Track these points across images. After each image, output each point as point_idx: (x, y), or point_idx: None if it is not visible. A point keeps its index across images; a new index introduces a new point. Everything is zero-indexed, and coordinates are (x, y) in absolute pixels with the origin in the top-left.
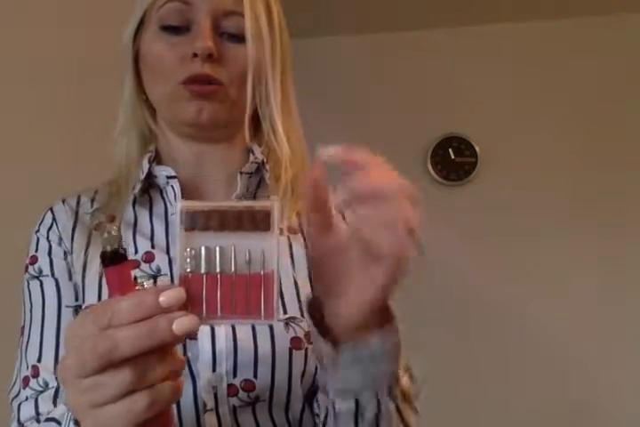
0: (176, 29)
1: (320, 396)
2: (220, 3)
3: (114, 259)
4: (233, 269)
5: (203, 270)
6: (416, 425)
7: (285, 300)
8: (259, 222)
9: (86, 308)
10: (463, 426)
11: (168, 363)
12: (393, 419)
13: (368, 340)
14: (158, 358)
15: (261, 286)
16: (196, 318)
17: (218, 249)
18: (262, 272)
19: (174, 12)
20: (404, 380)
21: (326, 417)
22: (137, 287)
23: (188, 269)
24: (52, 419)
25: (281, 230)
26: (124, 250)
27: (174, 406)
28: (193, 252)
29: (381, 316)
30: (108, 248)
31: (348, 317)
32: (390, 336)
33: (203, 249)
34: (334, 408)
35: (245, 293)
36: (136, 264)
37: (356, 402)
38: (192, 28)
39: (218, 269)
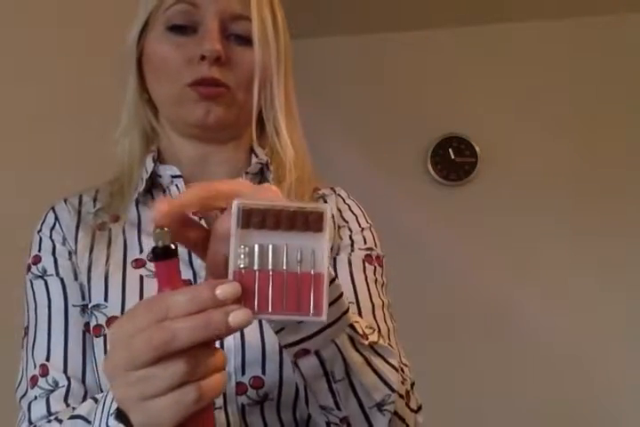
0: (183, 30)
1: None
2: (228, 6)
3: (165, 254)
4: (284, 267)
5: (256, 267)
6: (398, 383)
7: None
8: (311, 223)
9: (95, 306)
10: (462, 425)
11: (214, 357)
12: (366, 374)
13: None
14: (206, 352)
15: (311, 285)
16: (249, 312)
17: (271, 247)
18: (312, 271)
19: (181, 14)
20: (373, 336)
21: (306, 397)
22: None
23: (242, 266)
24: (79, 416)
25: None
26: (175, 246)
27: None
28: (247, 249)
29: None
30: (160, 243)
31: None
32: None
33: (256, 247)
34: (301, 374)
35: (296, 290)
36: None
37: (319, 357)
38: (199, 29)
39: (270, 267)
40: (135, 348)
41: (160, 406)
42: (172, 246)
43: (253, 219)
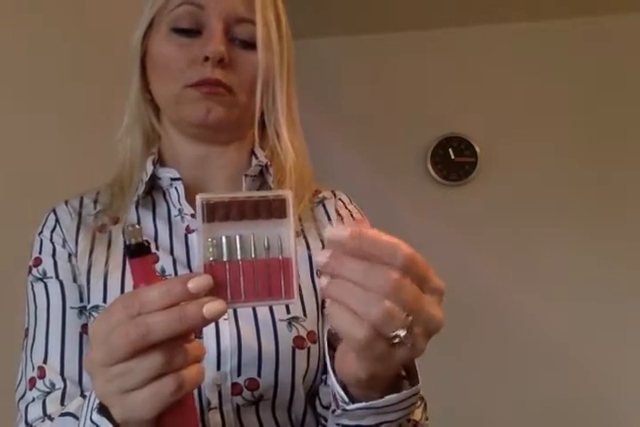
0: (187, 32)
1: (330, 416)
2: (233, 9)
3: (138, 251)
4: (253, 255)
5: (225, 258)
6: None
7: None
8: (274, 210)
9: (94, 307)
10: (464, 425)
11: (192, 348)
12: None
13: (381, 395)
14: (183, 344)
15: (280, 270)
16: (223, 302)
17: (238, 237)
18: (280, 257)
19: (187, 15)
20: (418, 411)
21: None
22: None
23: (211, 258)
24: (68, 413)
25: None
26: (148, 242)
27: None
28: (214, 241)
29: (395, 376)
30: (133, 241)
31: (349, 376)
32: (407, 393)
33: (224, 238)
34: None
35: (266, 277)
36: (156, 258)
37: None
38: (203, 31)
39: (239, 257)
40: (112, 343)
41: (139, 399)
42: (145, 243)
43: (218, 212)
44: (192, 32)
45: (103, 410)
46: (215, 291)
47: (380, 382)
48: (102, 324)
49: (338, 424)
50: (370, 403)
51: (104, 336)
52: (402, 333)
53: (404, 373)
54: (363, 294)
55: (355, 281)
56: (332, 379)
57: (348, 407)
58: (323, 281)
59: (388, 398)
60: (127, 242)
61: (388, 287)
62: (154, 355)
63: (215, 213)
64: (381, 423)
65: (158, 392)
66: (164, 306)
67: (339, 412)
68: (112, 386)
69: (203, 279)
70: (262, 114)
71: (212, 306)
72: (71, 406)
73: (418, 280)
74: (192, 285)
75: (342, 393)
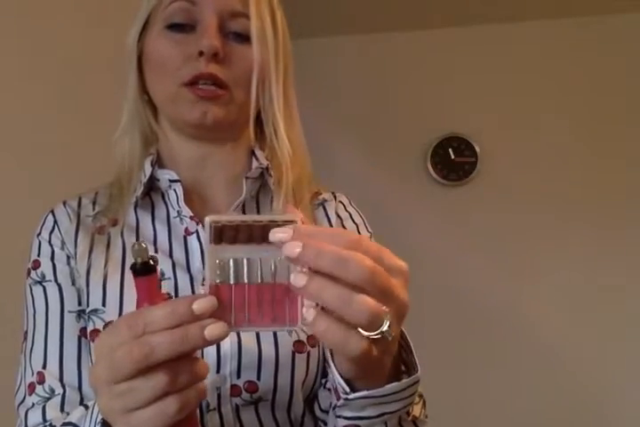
0: (181, 28)
1: (330, 413)
2: (227, 3)
3: (144, 270)
4: (259, 279)
5: (231, 281)
6: None
7: None
8: None
9: (93, 311)
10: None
11: (195, 367)
12: None
13: (383, 385)
14: (186, 363)
15: (286, 295)
16: (225, 325)
17: (245, 261)
18: (287, 282)
19: (180, 12)
20: (417, 407)
21: None
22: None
23: (218, 280)
24: (70, 423)
25: None
26: (154, 261)
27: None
28: (221, 263)
29: (395, 363)
30: (139, 260)
31: (344, 368)
32: (408, 382)
33: (231, 261)
34: None
35: (271, 301)
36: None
37: None
38: (197, 27)
39: (246, 280)
40: (117, 361)
41: (143, 418)
42: (152, 262)
43: (226, 234)
44: (186, 27)
45: (106, 426)
46: (220, 313)
47: (380, 375)
48: (107, 341)
49: (339, 417)
50: (370, 392)
51: (109, 353)
52: (385, 327)
53: (403, 368)
54: (344, 294)
55: (335, 274)
56: (333, 370)
57: (350, 397)
58: (299, 280)
59: (388, 386)
60: (133, 260)
61: (364, 274)
62: (158, 375)
63: (223, 235)
64: (382, 415)
65: (162, 412)
66: (168, 326)
67: (340, 402)
68: (116, 404)
69: (207, 301)
70: (260, 112)
71: (213, 329)
72: (73, 417)
73: (377, 262)
74: (197, 306)
75: (343, 384)
